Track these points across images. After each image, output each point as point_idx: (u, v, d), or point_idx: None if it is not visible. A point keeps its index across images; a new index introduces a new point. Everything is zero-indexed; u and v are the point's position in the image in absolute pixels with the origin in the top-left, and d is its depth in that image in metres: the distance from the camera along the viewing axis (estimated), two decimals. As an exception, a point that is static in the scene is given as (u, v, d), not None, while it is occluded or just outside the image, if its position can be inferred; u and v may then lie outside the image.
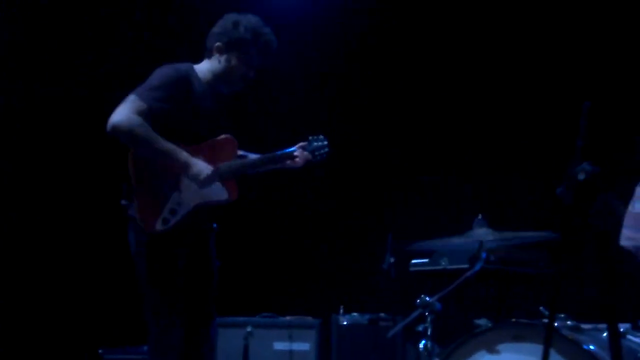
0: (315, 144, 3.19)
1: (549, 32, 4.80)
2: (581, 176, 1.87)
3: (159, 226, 2.93)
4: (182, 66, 3.05)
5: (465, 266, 3.54)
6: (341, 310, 4.35)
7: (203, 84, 3.06)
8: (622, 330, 2.50)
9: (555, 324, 2.47)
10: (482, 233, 2.96)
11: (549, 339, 2.10)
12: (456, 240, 3.10)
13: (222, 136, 3.08)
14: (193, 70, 3.08)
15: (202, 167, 2.93)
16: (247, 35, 3.03)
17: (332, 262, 5.23)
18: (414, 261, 4.13)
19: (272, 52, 3.08)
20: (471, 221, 2.99)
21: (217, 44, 3.06)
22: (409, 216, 4.78)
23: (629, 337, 2.56)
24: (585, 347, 2.41)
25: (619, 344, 1.99)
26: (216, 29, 3.09)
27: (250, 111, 5.01)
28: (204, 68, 3.10)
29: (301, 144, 3.20)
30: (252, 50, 3.05)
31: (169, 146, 2.89)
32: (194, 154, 2.96)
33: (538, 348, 2.27)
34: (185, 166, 2.92)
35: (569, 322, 2.56)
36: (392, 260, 4.13)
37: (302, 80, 5.39)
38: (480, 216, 2.95)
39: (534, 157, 4.68)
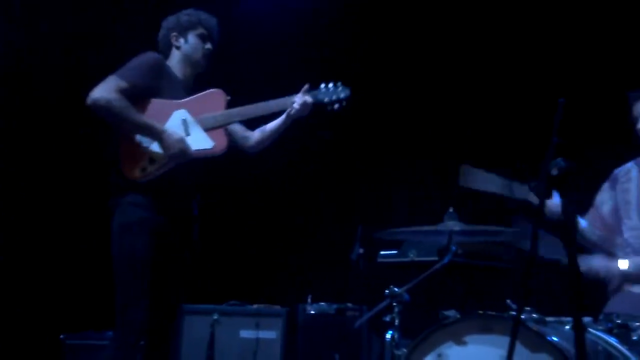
0: (326, 90, 3.20)
1: (522, 29, 4.87)
2: (554, 171, 1.91)
3: (138, 173, 3.02)
4: (159, 55, 3.27)
5: (434, 258, 3.59)
6: (309, 300, 4.38)
7: (175, 75, 3.26)
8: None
9: (522, 317, 2.52)
10: (452, 226, 2.99)
11: (515, 330, 2.15)
12: (426, 232, 3.13)
13: (209, 90, 3.23)
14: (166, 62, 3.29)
15: (172, 141, 3.02)
16: (191, 17, 3.35)
17: (300, 252, 5.24)
18: (382, 252, 4.17)
19: (215, 28, 3.37)
20: (442, 214, 3.02)
21: (172, 34, 3.30)
22: (379, 207, 4.81)
23: (590, 330, 2.62)
24: (549, 338, 2.46)
25: (584, 336, 2.05)
26: (162, 30, 3.36)
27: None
28: (170, 66, 3.29)
29: (305, 88, 3.22)
30: (199, 26, 3.32)
31: (146, 121, 3.05)
32: (178, 106, 3.11)
33: (504, 339, 2.31)
34: (159, 139, 3.05)
35: (534, 315, 2.61)
36: (360, 251, 4.17)
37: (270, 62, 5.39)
38: (451, 209, 2.98)
39: (506, 151, 4.74)
